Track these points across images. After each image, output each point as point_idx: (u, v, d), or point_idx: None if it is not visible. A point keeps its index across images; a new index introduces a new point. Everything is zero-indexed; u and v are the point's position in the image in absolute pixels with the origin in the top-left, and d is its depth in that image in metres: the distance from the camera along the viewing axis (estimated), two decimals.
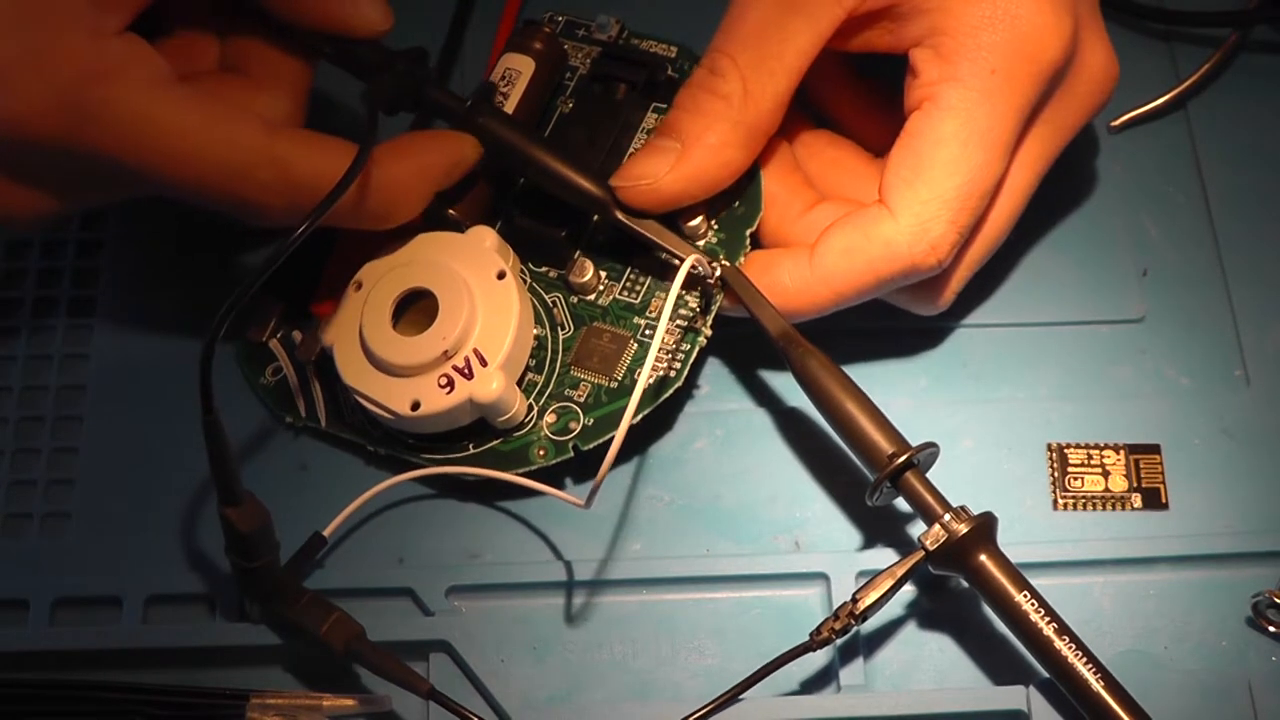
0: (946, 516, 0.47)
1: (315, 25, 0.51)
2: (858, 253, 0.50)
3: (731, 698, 0.47)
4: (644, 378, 0.48)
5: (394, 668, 0.47)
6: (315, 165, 0.48)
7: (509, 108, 0.54)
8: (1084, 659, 0.45)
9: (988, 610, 0.49)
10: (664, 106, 0.55)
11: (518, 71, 0.54)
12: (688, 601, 0.51)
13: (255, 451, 0.53)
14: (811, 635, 0.47)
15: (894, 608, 0.50)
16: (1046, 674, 0.46)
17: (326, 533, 0.50)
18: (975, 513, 0.47)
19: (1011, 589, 0.46)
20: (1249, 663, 0.49)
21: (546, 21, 0.57)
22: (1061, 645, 0.45)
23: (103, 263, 0.57)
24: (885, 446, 0.48)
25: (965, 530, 0.46)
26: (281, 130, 0.49)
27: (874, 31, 0.51)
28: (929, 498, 0.47)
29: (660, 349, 0.51)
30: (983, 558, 0.47)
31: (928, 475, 0.48)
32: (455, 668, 0.49)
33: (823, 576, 0.50)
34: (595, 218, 0.53)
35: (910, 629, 0.50)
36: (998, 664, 0.49)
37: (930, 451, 0.48)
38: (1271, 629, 0.49)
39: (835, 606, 0.47)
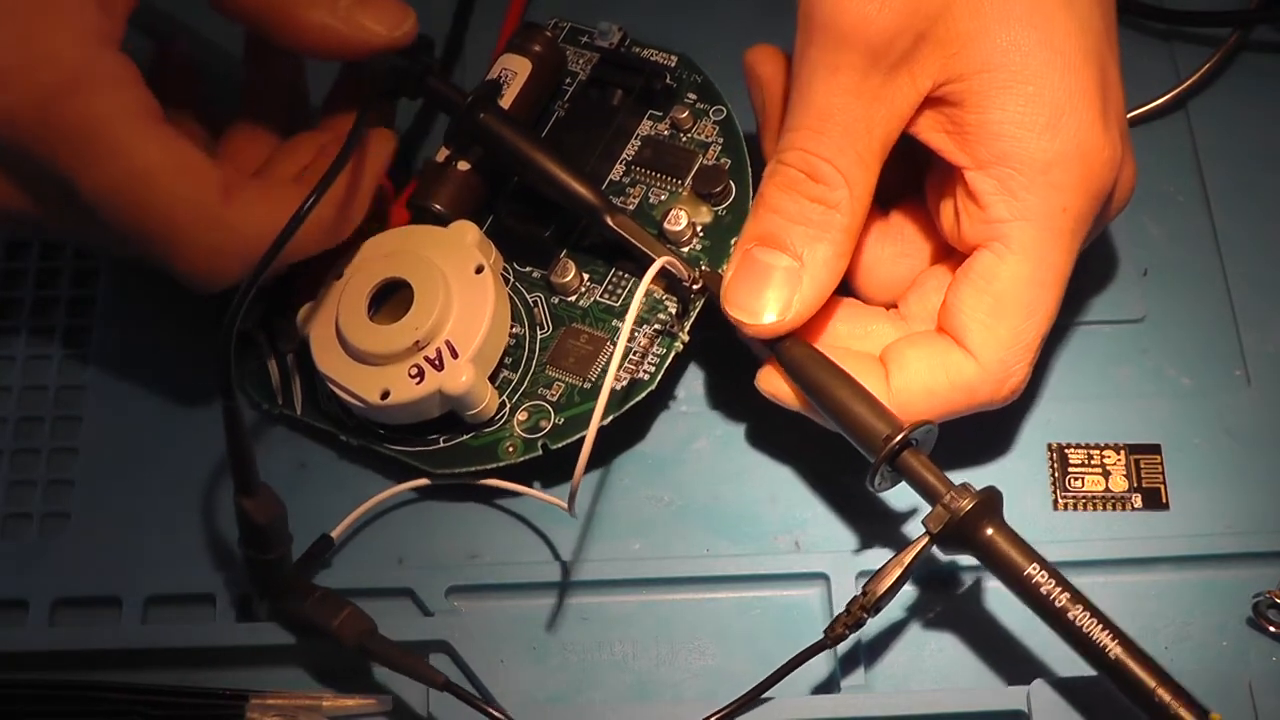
0: (948, 495, 0.46)
1: (324, 54, 0.51)
2: (939, 395, 0.48)
3: (750, 699, 0.47)
4: (609, 379, 0.47)
5: (407, 662, 0.47)
6: (270, 228, 0.47)
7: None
8: (1100, 625, 0.44)
9: (988, 609, 0.49)
10: (660, 114, 0.55)
11: (514, 72, 0.55)
12: (688, 601, 0.51)
13: (254, 450, 0.53)
14: (826, 632, 0.46)
15: (894, 609, 0.50)
16: (1067, 644, 0.45)
17: (334, 534, 0.51)
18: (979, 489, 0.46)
19: (1021, 561, 0.45)
20: (1249, 663, 0.49)
21: (551, 27, 0.57)
22: (1077, 614, 0.44)
23: (102, 263, 0.57)
24: (880, 428, 0.47)
25: (969, 506, 0.46)
26: (240, 193, 0.48)
27: (933, 121, 0.49)
28: (929, 476, 0.47)
29: (634, 352, 0.51)
30: (990, 532, 0.46)
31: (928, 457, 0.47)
32: (455, 668, 0.49)
33: (823, 576, 0.50)
34: (583, 221, 0.53)
35: (911, 630, 0.50)
36: (998, 664, 0.49)
37: (928, 429, 0.47)
38: (1272, 629, 0.49)
39: (835, 607, 0.47)
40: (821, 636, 0.46)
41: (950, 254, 0.51)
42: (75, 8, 0.46)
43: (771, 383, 0.50)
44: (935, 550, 0.47)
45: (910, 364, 0.49)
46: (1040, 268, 0.48)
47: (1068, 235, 0.48)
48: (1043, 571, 0.45)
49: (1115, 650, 0.44)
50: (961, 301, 0.48)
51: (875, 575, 0.46)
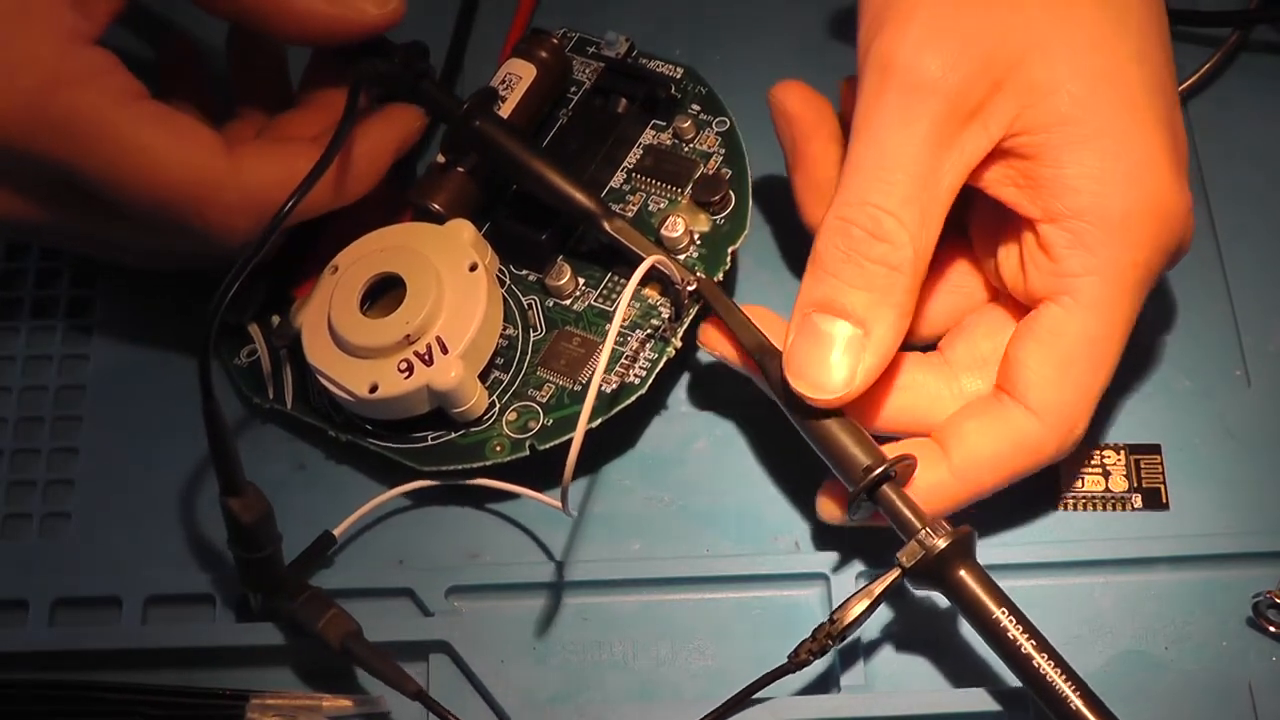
0: (923, 531, 0.46)
1: (315, 39, 0.51)
2: (1004, 461, 0.48)
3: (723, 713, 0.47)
4: (597, 378, 0.47)
5: (385, 667, 0.47)
6: (279, 179, 0.48)
7: (504, 111, 0.54)
8: (1063, 675, 0.45)
9: None
10: (663, 124, 0.55)
11: (518, 77, 0.55)
12: (688, 601, 0.51)
13: (254, 450, 0.53)
14: (790, 657, 0.47)
15: (894, 608, 0.50)
16: (1029, 691, 0.46)
17: (337, 532, 0.51)
18: (955, 526, 0.46)
19: (990, 604, 0.45)
20: (1249, 663, 0.49)
21: (560, 36, 0.57)
22: (1040, 661, 0.45)
23: (101, 263, 0.57)
24: (860, 459, 0.47)
25: (942, 546, 0.46)
26: (244, 148, 0.49)
27: (1003, 174, 0.48)
28: (906, 512, 0.47)
29: (626, 356, 0.51)
30: (961, 573, 0.46)
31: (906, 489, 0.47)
32: (455, 668, 0.49)
33: (823, 577, 0.50)
34: (580, 226, 0.53)
35: (910, 629, 0.50)
36: (998, 664, 0.49)
37: (907, 464, 0.47)
38: (1272, 629, 0.49)
39: (832, 609, 0.47)
40: (785, 661, 0.47)
41: (996, 294, 0.51)
42: (48, 12, 0.47)
43: (711, 337, 0.50)
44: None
45: (970, 436, 0.48)
46: (1110, 323, 0.47)
47: (1138, 290, 0.48)
48: (1010, 617, 0.45)
49: (1076, 702, 0.45)
50: (1027, 357, 0.47)
51: (843, 604, 0.46)
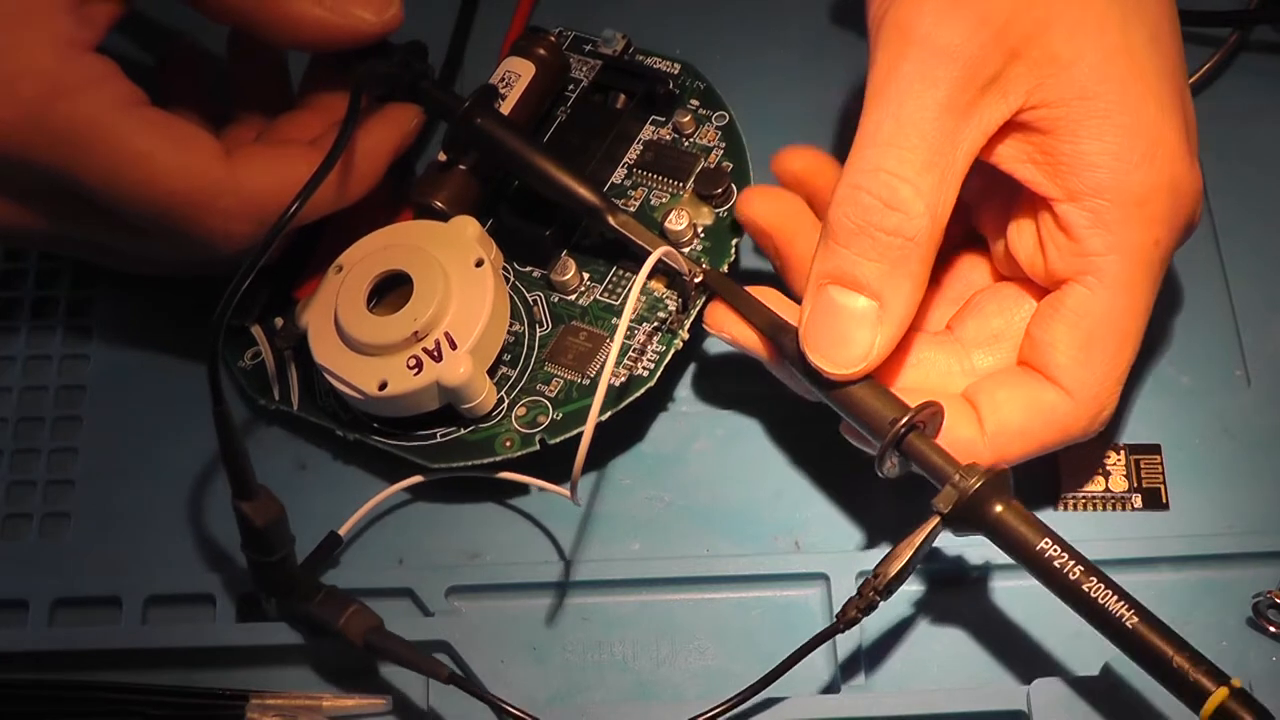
0: (957, 475, 0.45)
1: (314, 45, 0.51)
2: (1034, 435, 0.48)
3: (757, 689, 0.46)
4: (609, 369, 0.47)
5: (415, 656, 0.47)
6: (277, 184, 0.48)
7: (505, 109, 0.54)
8: (1115, 597, 0.44)
9: (988, 609, 0.49)
10: (662, 120, 0.55)
11: (517, 75, 0.55)
12: (688, 601, 0.51)
13: (255, 452, 0.53)
14: (838, 616, 0.46)
15: (895, 608, 0.50)
16: (1083, 619, 0.45)
17: (342, 531, 0.51)
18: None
19: (1033, 536, 0.45)
20: (1249, 663, 0.49)
21: (555, 34, 0.57)
22: (1091, 585, 0.44)
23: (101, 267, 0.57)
24: (886, 413, 0.47)
25: (978, 484, 0.45)
26: (242, 153, 0.49)
27: (1019, 150, 0.48)
28: (936, 457, 0.46)
29: (633, 349, 0.51)
30: (1000, 509, 0.45)
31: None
32: (456, 668, 0.49)
33: (823, 577, 0.50)
34: (584, 221, 0.53)
35: (911, 629, 0.50)
36: (998, 664, 0.49)
37: (932, 411, 0.47)
38: (1272, 629, 0.49)
39: (835, 607, 0.47)
40: (834, 621, 0.46)
41: (1001, 279, 0.51)
42: (46, 19, 0.47)
43: (718, 317, 0.50)
44: (944, 538, 0.46)
45: (1003, 406, 0.48)
46: (1133, 301, 0.47)
47: (1157, 267, 0.48)
48: (1055, 546, 0.45)
49: (1132, 620, 0.44)
50: (1054, 338, 0.48)
51: (886, 558, 0.45)
